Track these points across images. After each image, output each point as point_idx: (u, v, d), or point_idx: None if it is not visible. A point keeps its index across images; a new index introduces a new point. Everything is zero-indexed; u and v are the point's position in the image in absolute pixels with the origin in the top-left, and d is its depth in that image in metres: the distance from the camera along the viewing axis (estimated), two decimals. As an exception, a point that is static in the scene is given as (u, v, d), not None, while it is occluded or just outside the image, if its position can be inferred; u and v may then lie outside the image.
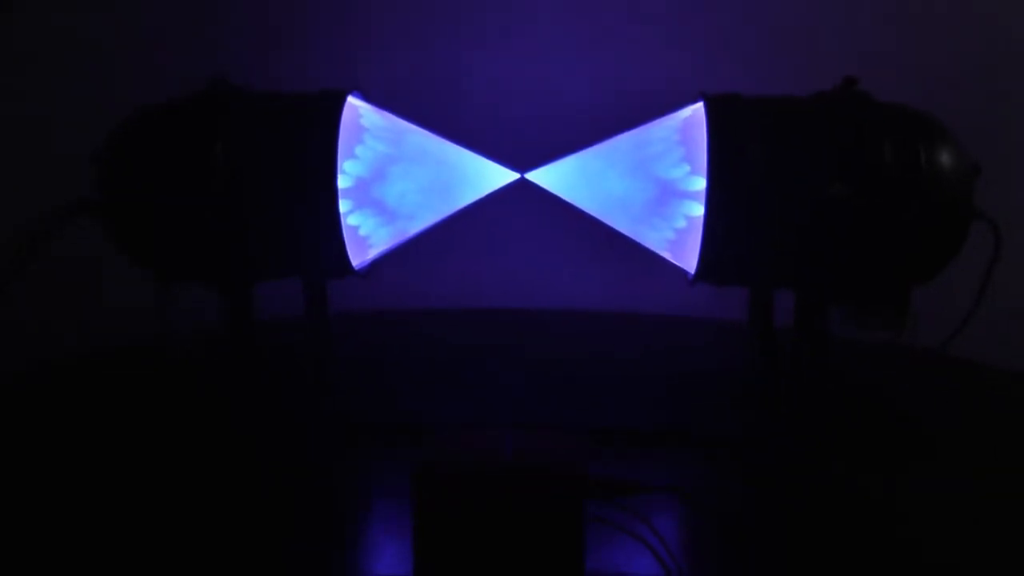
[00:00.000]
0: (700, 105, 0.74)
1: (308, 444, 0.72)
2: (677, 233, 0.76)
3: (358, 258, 0.77)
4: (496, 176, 0.79)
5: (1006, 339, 0.94)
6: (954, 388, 0.83)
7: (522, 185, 0.79)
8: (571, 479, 0.50)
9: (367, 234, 0.77)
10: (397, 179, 0.77)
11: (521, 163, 0.79)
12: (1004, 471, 0.69)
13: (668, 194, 0.75)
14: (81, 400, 0.79)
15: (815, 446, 0.71)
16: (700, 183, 0.73)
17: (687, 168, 0.74)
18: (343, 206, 0.73)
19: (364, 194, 0.76)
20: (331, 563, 0.56)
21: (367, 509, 0.64)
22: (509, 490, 0.50)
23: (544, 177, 0.78)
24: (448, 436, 0.53)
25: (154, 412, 0.76)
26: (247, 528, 0.60)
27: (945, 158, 0.71)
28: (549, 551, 0.51)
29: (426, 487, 0.50)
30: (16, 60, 1.06)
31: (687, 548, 0.58)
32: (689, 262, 0.75)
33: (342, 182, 0.73)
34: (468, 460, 0.51)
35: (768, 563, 0.55)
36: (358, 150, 0.75)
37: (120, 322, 0.90)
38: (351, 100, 0.76)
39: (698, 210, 0.73)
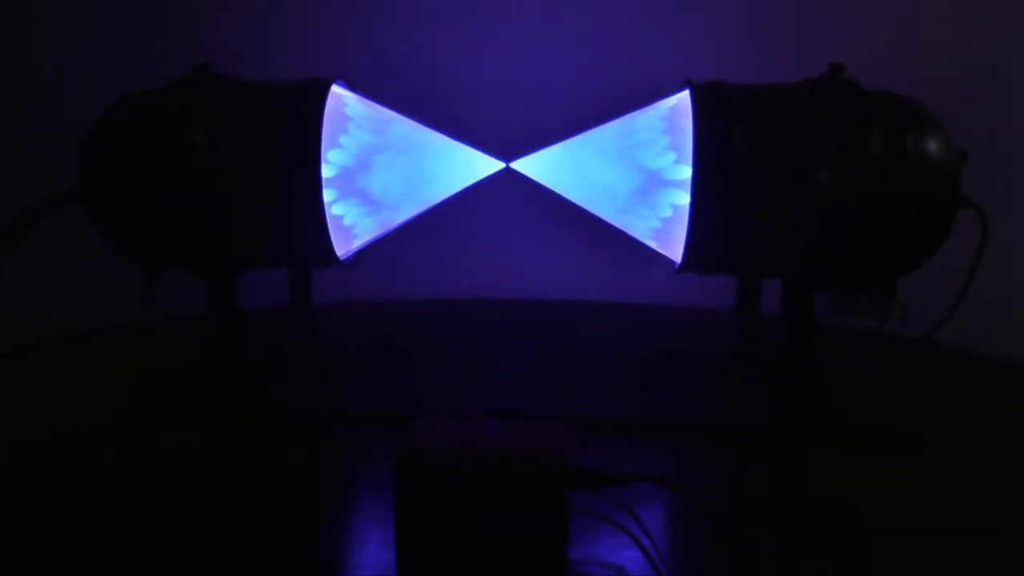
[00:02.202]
0: (686, 93, 0.74)
1: (291, 433, 0.71)
2: (663, 222, 0.75)
3: (343, 248, 0.76)
4: (481, 165, 0.78)
5: (994, 327, 0.94)
6: (942, 376, 0.83)
7: (507, 174, 0.79)
8: (555, 469, 0.50)
9: (351, 224, 0.76)
10: (382, 169, 0.76)
11: (506, 152, 0.79)
12: (993, 459, 0.69)
13: (654, 183, 0.75)
14: (62, 387, 0.79)
15: (802, 434, 0.71)
16: (686, 172, 0.72)
17: (673, 156, 0.74)
18: (327, 196, 0.73)
19: (349, 184, 0.75)
20: (314, 552, 0.56)
21: (350, 498, 0.63)
22: (493, 479, 0.50)
23: (529, 166, 0.78)
24: (431, 424, 0.53)
25: (136, 400, 0.75)
26: (228, 517, 0.60)
27: (933, 145, 0.70)
28: (533, 541, 0.50)
29: (408, 475, 0.50)
30: (7, 49, 1.06)
31: (672, 538, 0.58)
32: (675, 251, 0.75)
33: (326, 171, 0.73)
34: (451, 448, 0.51)
35: (754, 552, 0.55)
36: (342, 139, 0.75)
37: (104, 310, 0.90)
38: (335, 89, 0.75)
39: (684, 199, 0.72)
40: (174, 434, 0.70)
